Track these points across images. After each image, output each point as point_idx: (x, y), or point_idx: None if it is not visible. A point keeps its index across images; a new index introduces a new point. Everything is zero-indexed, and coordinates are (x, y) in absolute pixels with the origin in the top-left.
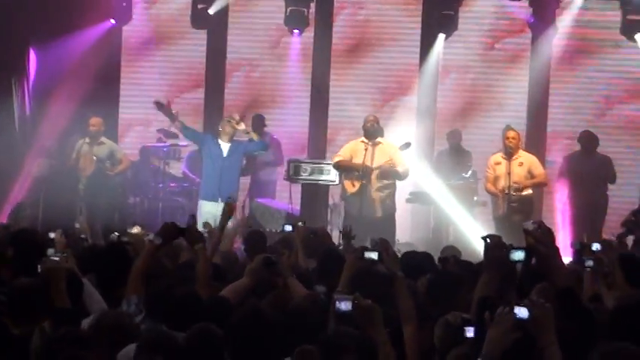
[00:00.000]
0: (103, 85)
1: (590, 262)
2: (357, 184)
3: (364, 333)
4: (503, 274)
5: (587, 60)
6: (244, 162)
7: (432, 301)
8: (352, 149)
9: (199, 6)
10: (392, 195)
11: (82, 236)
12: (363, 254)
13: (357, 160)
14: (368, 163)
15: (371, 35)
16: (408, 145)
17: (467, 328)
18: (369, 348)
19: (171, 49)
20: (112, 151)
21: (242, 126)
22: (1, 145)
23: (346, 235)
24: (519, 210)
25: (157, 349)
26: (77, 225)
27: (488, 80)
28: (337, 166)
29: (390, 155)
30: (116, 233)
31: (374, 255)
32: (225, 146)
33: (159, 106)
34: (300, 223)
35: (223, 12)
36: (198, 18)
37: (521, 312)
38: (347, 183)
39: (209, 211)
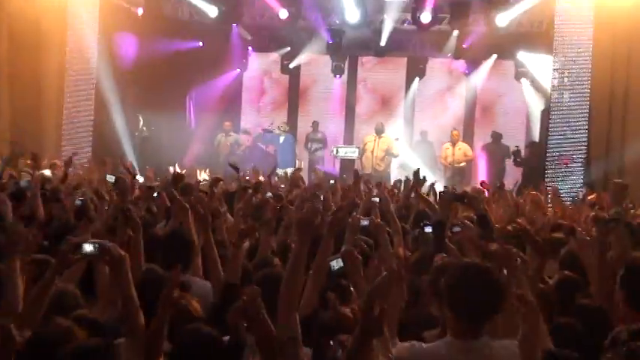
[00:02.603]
0: (231, 114)
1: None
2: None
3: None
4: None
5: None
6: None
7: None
8: (367, 140)
9: (285, 62)
10: (388, 165)
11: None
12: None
13: (369, 145)
14: (376, 149)
15: (376, 79)
16: (397, 139)
17: (426, 226)
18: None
19: (270, 88)
20: (237, 139)
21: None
22: (178, 139)
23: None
24: (457, 173)
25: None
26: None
27: (444, 102)
28: None
29: (388, 143)
30: None
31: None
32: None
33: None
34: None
35: (297, 65)
36: (285, 68)
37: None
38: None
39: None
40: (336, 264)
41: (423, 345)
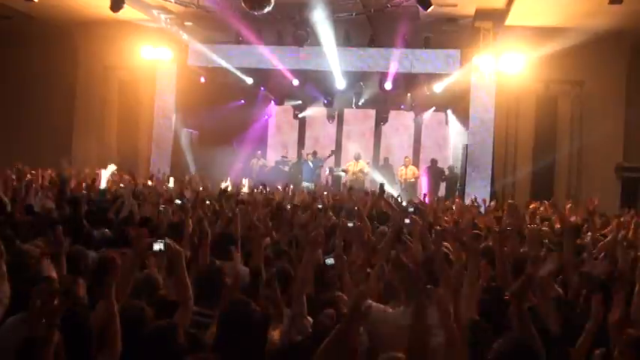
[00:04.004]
0: (260, 146)
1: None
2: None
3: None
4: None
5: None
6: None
7: None
8: (348, 164)
9: (296, 112)
10: (362, 180)
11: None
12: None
13: (350, 167)
14: (356, 169)
15: (355, 124)
16: (368, 163)
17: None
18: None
19: (286, 130)
20: (264, 162)
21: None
22: (227, 161)
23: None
24: (409, 187)
25: None
26: None
27: (400, 139)
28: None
29: (362, 166)
30: None
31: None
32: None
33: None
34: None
35: (304, 114)
36: (296, 116)
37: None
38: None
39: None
40: (330, 261)
41: (389, 310)
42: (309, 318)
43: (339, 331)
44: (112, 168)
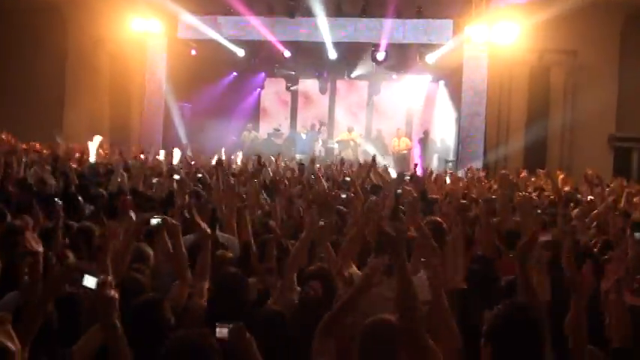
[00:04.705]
0: (252, 119)
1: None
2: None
3: None
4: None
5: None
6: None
7: None
8: (343, 135)
9: (288, 84)
10: (356, 148)
11: None
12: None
13: (343, 137)
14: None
15: (347, 96)
16: (361, 135)
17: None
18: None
19: (278, 102)
20: (256, 135)
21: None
22: (218, 133)
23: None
24: (401, 158)
25: None
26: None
27: (392, 110)
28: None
29: (354, 137)
30: None
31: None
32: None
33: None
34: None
35: (296, 87)
36: (288, 88)
37: None
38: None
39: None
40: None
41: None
42: (297, 288)
43: (351, 298)
44: (97, 139)
